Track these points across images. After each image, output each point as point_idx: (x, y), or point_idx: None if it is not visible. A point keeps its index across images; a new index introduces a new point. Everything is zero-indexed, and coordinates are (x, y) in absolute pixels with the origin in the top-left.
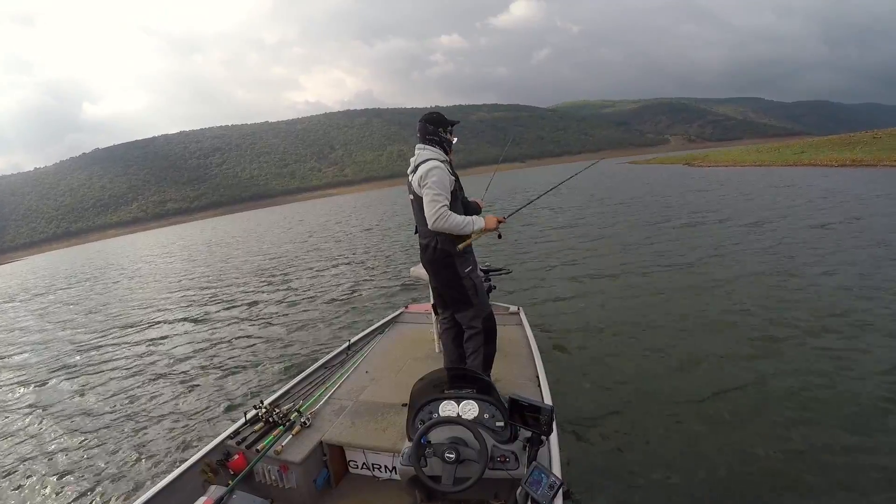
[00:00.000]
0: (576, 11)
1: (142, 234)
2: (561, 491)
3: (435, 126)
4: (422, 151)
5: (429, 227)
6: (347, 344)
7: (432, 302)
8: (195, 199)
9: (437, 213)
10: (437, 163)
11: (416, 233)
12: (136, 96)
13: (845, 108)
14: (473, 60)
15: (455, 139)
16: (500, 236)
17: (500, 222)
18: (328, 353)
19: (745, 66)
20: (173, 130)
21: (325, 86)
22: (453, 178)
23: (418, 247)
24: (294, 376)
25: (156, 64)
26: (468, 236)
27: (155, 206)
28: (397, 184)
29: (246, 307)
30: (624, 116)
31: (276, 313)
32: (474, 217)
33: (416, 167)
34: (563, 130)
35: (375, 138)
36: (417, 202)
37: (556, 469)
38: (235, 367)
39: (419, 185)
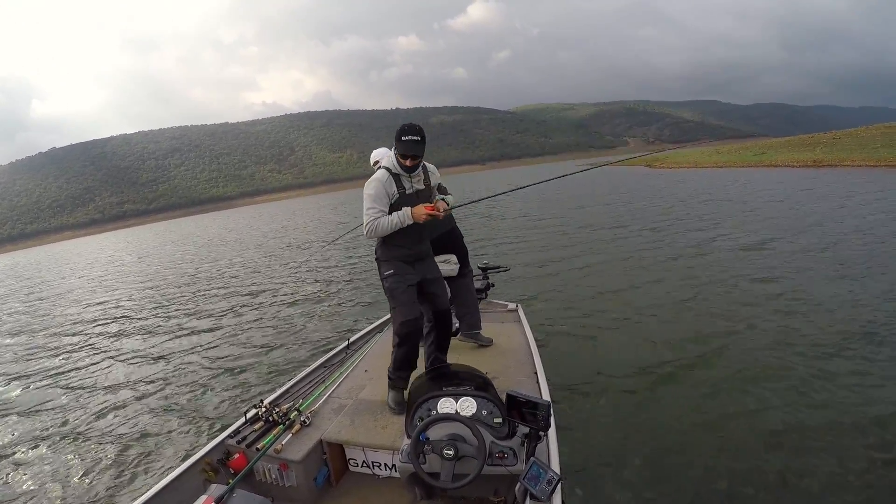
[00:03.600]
0: (535, 14)
1: (100, 236)
2: (559, 486)
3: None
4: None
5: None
6: (347, 343)
7: None
8: (153, 201)
9: (366, 226)
10: (375, 176)
11: None
12: (89, 94)
13: (801, 111)
14: (431, 62)
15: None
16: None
17: (430, 215)
18: (328, 351)
19: (703, 70)
20: (129, 130)
21: (283, 86)
22: (395, 190)
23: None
24: (294, 375)
25: (110, 61)
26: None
27: (112, 207)
28: (359, 186)
29: (244, 306)
30: (583, 119)
31: (277, 313)
32: (402, 212)
33: None
34: (522, 133)
35: (336, 140)
36: None
37: (555, 464)
38: (235, 367)
39: None
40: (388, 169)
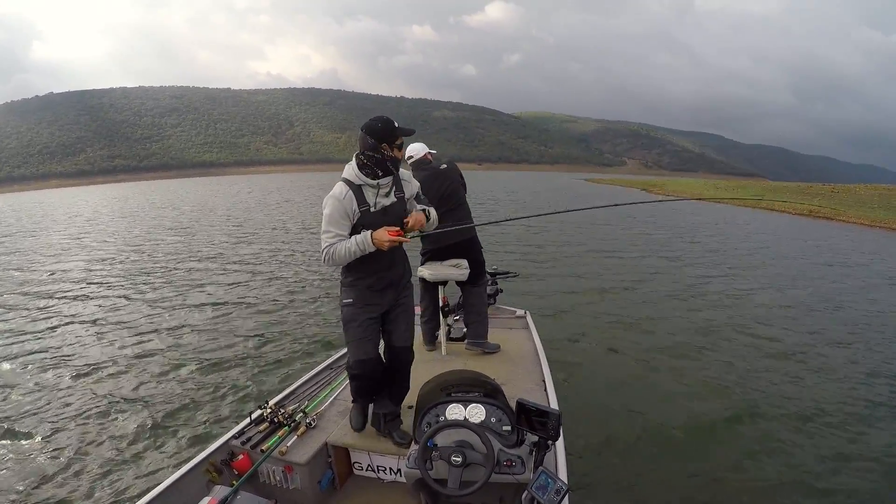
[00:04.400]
0: (553, 23)
1: (89, 188)
2: (567, 496)
3: (377, 140)
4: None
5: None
6: None
7: (441, 304)
8: (145, 159)
9: (322, 254)
10: (332, 192)
11: None
12: (93, 43)
13: (801, 158)
14: (442, 55)
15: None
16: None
17: (394, 242)
18: (334, 353)
19: (711, 103)
20: (129, 84)
21: (290, 60)
22: (356, 208)
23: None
24: (299, 377)
25: (118, 10)
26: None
27: (102, 160)
28: None
29: (253, 302)
30: (585, 134)
31: (284, 311)
32: (362, 236)
33: None
34: (524, 139)
35: (337, 120)
36: None
37: (563, 474)
38: (240, 367)
39: None
40: (348, 181)
